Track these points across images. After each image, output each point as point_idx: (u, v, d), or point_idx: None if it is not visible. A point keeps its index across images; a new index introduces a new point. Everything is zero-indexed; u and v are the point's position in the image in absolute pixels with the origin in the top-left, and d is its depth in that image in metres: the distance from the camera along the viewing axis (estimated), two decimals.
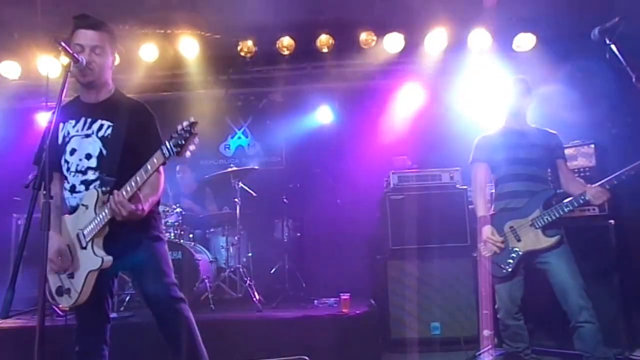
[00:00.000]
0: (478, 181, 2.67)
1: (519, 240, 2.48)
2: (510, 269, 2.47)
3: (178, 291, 1.98)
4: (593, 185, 2.39)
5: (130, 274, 2.07)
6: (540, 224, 2.44)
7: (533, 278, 2.54)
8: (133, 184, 1.80)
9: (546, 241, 2.41)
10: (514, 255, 2.47)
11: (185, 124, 1.69)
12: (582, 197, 2.40)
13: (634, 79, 1.87)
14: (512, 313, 2.50)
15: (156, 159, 1.75)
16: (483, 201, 2.63)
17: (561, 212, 2.41)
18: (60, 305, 1.96)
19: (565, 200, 2.44)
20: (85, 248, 1.88)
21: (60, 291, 1.91)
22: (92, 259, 1.85)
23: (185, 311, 1.97)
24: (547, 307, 2.63)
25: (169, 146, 1.69)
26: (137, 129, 1.95)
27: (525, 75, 2.76)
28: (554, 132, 2.67)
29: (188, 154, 1.70)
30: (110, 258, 1.86)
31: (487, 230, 2.53)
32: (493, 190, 2.73)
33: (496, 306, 2.58)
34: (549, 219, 2.42)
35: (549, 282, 2.44)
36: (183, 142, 1.67)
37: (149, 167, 1.77)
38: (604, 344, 2.33)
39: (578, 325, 2.31)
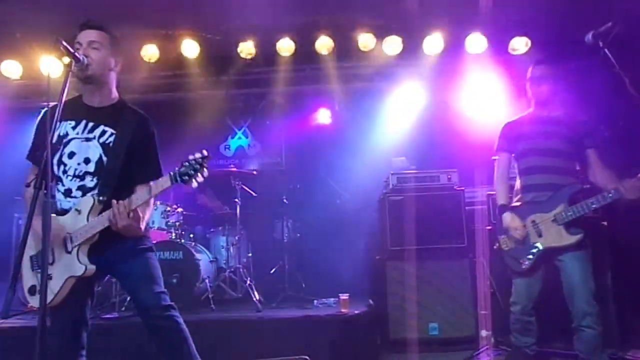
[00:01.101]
0: (500, 171, 2.57)
1: (540, 236, 2.37)
2: (529, 264, 2.38)
3: (168, 299, 1.96)
4: (629, 180, 2.22)
5: (121, 283, 2.08)
6: (562, 220, 2.31)
7: (547, 276, 2.45)
8: (135, 200, 1.80)
9: (569, 239, 2.30)
10: (534, 250, 2.37)
11: (197, 155, 1.73)
12: (610, 195, 2.23)
13: (627, 83, 1.88)
14: (527, 309, 2.43)
15: (164, 183, 1.77)
16: (505, 190, 2.52)
17: (586, 210, 2.27)
18: (29, 305, 1.89)
19: (592, 198, 2.28)
20: (69, 252, 1.84)
21: (34, 291, 1.87)
22: (75, 265, 1.82)
23: (177, 317, 1.95)
24: (555, 307, 2.51)
25: (177, 173, 1.72)
26: (140, 143, 1.95)
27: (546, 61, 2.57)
28: (585, 118, 2.51)
29: (195, 184, 1.74)
30: (93, 267, 1.83)
31: (507, 218, 2.43)
32: (518, 182, 2.59)
33: (511, 300, 2.50)
34: (573, 215, 2.29)
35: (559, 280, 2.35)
36: (192, 172, 1.71)
37: (153, 188, 1.78)
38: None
39: (580, 328, 2.29)
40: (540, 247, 2.36)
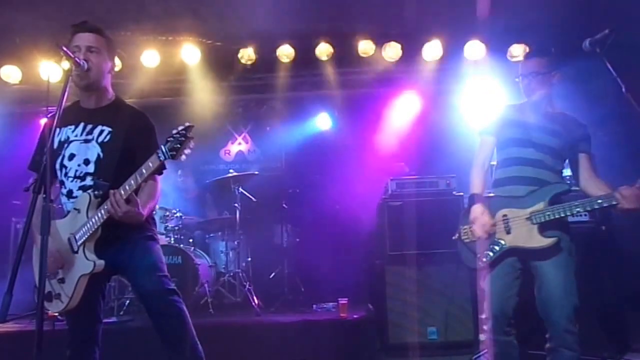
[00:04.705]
0: (480, 156, 2.27)
1: (508, 232, 2.07)
2: (487, 261, 2.07)
3: (170, 283, 1.95)
4: (628, 187, 1.91)
5: (123, 274, 2.09)
6: (538, 220, 2.01)
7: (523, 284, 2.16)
8: (128, 186, 1.80)
9: (540, 241, 2.00)
10: (496, 247, 2.07)
11: (180, 127, 1.70)
12: (599, 201, 1.95)
13: (623, 89, 1.88)
14: (503, 325, 2.07)
15: (152, 163, 1.75)
16: (481, 179, 2.23)
17: (568, 213, 1.97)
18: (49, 312, 1.92)
19: (578, 201, 1.99)
20: (76, 252, 1.86)
21: (50, 297, 1.87)
22: (84, 263, 1.83)
23: (178, 303, 1.93)
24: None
25: (164, 150, 1.70)
26: (136, 137, 1.95)
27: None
28: (584, 123, 2.23)
29: (183, 157, 1.71)
30: (102, 262, 1.84)
31: (477, 209, 2.11)
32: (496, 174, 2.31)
33: (484, 316, 2.13)
34: (551, 216, 2.00)
35: (533, 290, 2.04)
36: (178, 145, 1.68)
37: (144, 170, 1.77)
38: (595, 347, 2.28)
39: (557, 349, 1.97)
40: (505, 245, 2.06)
